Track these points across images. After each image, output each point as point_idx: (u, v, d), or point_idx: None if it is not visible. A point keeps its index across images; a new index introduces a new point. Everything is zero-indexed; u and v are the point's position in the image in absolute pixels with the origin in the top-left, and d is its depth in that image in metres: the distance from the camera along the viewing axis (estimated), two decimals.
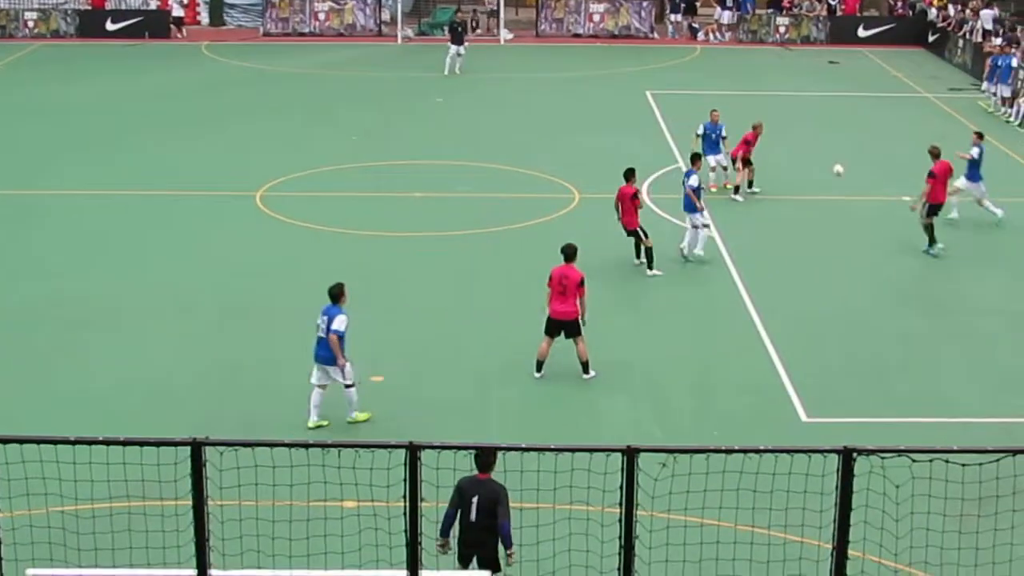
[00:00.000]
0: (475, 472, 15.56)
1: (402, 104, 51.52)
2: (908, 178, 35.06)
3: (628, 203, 30.40)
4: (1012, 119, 48.41)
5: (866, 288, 30.40)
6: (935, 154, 32.70)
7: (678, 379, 25.10)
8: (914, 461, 12.39)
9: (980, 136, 34.74)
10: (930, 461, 12.57)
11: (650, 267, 30.60)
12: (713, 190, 36.72)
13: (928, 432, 22.27)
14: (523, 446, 12.75)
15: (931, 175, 32.07)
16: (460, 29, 58.75)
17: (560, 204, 36.61)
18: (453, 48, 57.68)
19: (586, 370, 24.83)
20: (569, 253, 24.89)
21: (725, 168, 37.77)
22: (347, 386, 22.71)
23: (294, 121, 47.91)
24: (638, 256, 31.10)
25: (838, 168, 34.01)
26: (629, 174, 30.88)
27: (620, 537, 12.46)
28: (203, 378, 24.85)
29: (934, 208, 32.32)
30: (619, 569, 12.48)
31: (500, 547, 15.48)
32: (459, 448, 12.74)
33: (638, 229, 30.50)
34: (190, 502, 12.31)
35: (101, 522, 14.38)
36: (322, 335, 22.56)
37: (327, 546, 14.88)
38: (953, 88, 55.04)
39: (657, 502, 14.32)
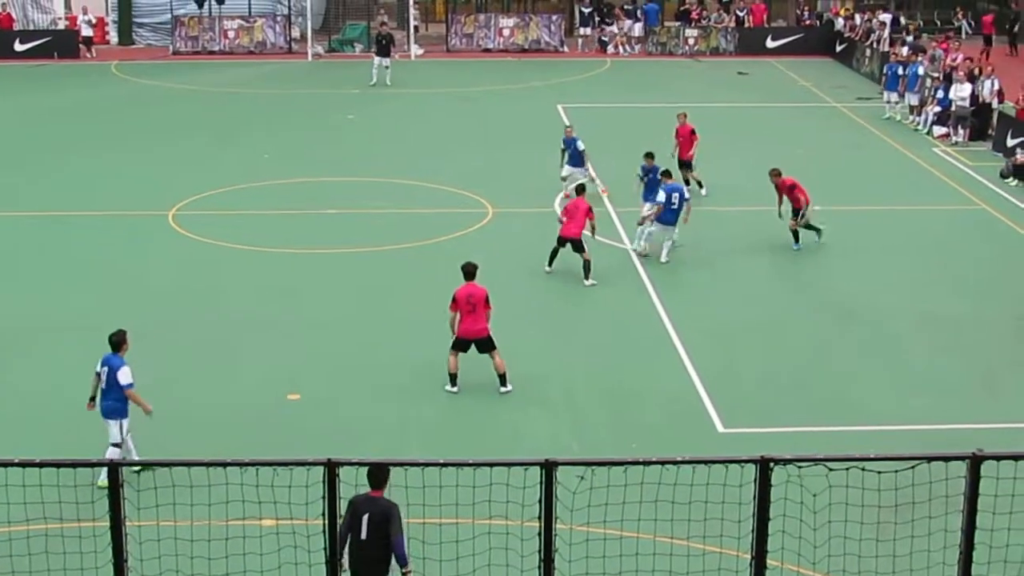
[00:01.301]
0: (368, 490, 15.34)
1: (314, 121, 51.42)
2: (815, 186, 35.30)
3: (581, 215, 31.12)
4: (920, 127, 48.95)
5: (777, 296, 30.66)
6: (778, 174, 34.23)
7: (594, 392, 25.16)
8: (831, 469, 12.53)
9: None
10: (847, 469, 12.71)
11: (587, 277, 31.10)
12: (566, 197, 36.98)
13: (844, 439, 22.43)
14: (441, 461, 12.77)
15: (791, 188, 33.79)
16: (385, 42, 58.78)
17: (474, 218, 36.66)
18: (378, 60, 57.90)
19: (504, 383, 24.87)
20: (470, 271, 25.09)
21: (593, 180, 37.90)
22: (113, 445, 20.64)
23: (206, 139, 47.69)
24: (550, 264, 31.56)
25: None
26: (581, 189, 32.50)
27: (540, 551, 12.52)
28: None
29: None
30: None
31: (395, 566, 15.28)
32: (376, 464, 12.74)
33: (580, 239, 31.11)
34: (108, 523, 12.23)
35: (18, 544, 14.25)
36: (104, 387, 21.13)
37: (246, 564, 14.81)
38: (861, 97, 55.59)
39: (576, 515, 14.37)
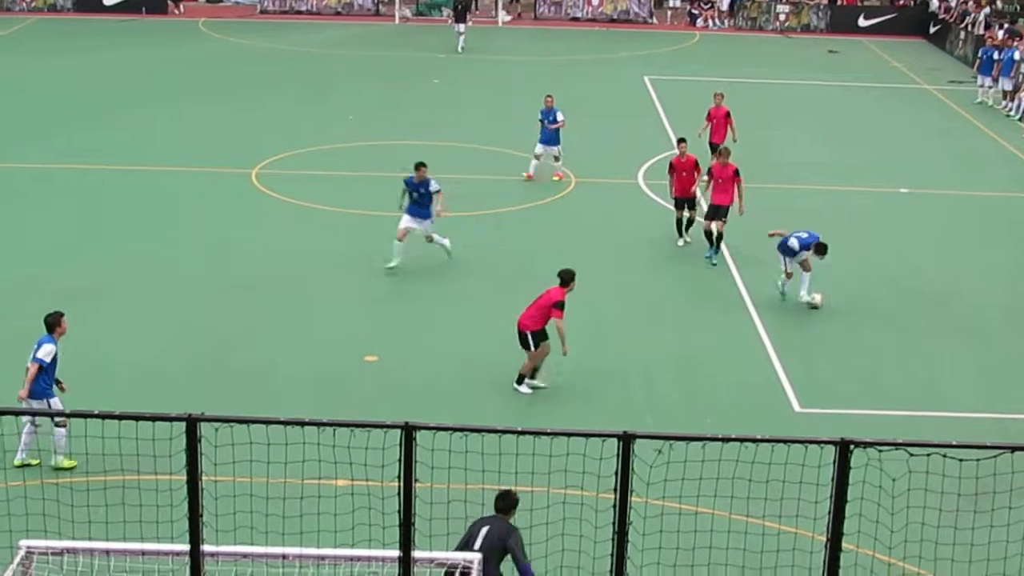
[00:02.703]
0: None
1: (399, 84, 51.43)
2: (904, 168, 34.97)
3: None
4: (1013, 113, 48.34)
5: (860, 279, 30.37)
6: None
7: (671, 367, 25.05)
8: (911, 455, 12.33)
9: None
10: (927, 455, 12.51)
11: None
12: (529, 179, 36.67)
13: (923, 425, 22.25)
14: (518, 429, 12.68)
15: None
16: (462, 7, 58.75)
17: (556, 188, 36.54)
18: (457, 26, 57.95)
19: (520, 381, 23.95)
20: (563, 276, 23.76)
21: (557, 159, 37.41)
22: (56, 424, 20.04)
23: (291, 99, 47.82)
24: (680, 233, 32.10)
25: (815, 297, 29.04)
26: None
27: (614, 523, 12.39)
28: (196, 355, 24.77)
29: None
30: (612, 554, 12.41)
31: None
32: (455, 430, 12.66)
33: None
34: (184, 477, 12.25)
35: (95, 495, 14.32)
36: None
37: (320, 524, 14.81)
38: (953, 80, 54.99)
39: (652, 489, 14.28)
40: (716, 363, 25.24)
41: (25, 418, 20.06)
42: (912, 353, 26.25)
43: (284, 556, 14.85)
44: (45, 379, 20.30)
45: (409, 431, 12.25)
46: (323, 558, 15.73)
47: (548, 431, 12.61)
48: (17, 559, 14.19)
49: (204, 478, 12.32)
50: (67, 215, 33.37)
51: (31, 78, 50.38)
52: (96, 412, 12.43)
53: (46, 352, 20.33)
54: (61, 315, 20.99)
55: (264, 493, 14.35)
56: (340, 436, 12.96)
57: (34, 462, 20.07)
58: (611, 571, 12.36)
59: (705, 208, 31.64)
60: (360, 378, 23.70)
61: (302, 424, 12.49)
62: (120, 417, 12.32)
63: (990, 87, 50.39)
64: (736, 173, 30.70)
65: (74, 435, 12.99)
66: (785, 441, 12.80)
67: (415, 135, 42.25)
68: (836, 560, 12.31)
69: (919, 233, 33.36)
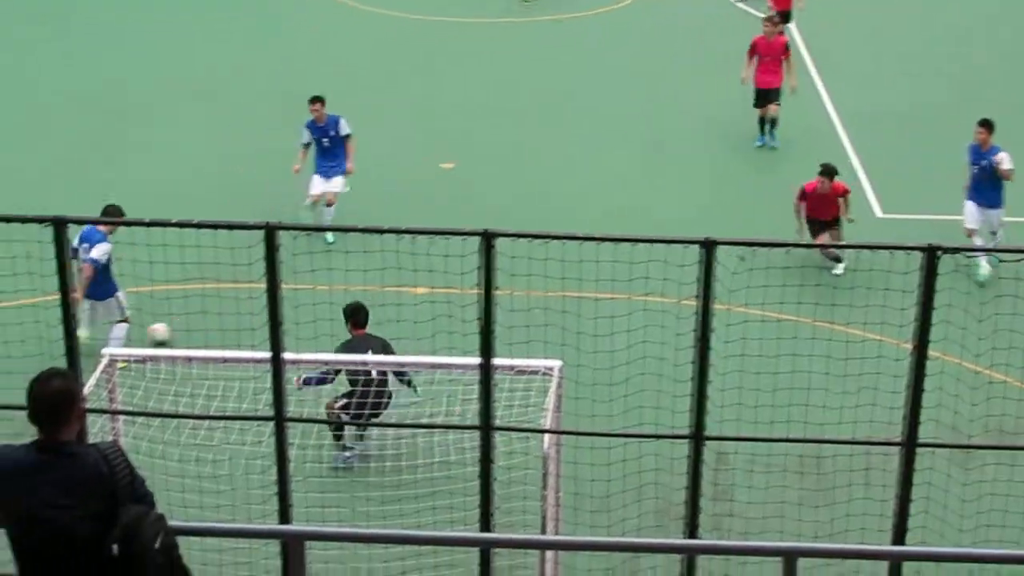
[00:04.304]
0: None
1: None
2: None
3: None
4: None
5: (939, 80, 29.75)
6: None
7: (753, 170, 24.75)
8: (1001, 261, 12.12)
9: None
10: (1017, 261, 12.30)
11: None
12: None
13: (1008, 232, 21.84)
14: (598, 236, 12.53)
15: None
16: None
17: None
18: None
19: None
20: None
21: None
22: (119, 321, 18.84)
23: None
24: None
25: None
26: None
27: (695, 330, 12.27)
28: (274, 166, 24.68)
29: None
30: (693, 362, 12.31)
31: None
32: (534, 236, 12.53)
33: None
34: (263, 285, 12.21)
35: (176, 303, 14.35)
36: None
37: (399, 331, 14.82)
38: None
39: (734, 296, 14.15)
40: (796, 170, 24.89)
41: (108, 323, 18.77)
42: None
43: (364, 363, 14.92)
44: (105, 274, 18.84)
45: (489, 238, 12.13)
46: (403, 365, 15.80)
47: (629, 237, 12.46)
48: (101, 367, 14.30)
49: (283, 286, 12.28)
50: (146, 22, 33.18)
51: None
52: (174, 221, 12.38)
53: (102, 252, 18.73)
54: (119, 212, 18.80)
55: (343, 301, 14.35)
56: (419, 244, 12.87)
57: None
58: (693, 378, 12.27)
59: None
60: (437, 186, 23.57)
61: (380, 232, 12.39)
62: (198, 226, 12.26)
63: None
64: (786, 47, 27.19)
65: (154, 244, 12.92)
66: (871, 247, 12.63)
67: None
68: (922, 368, 12.15)
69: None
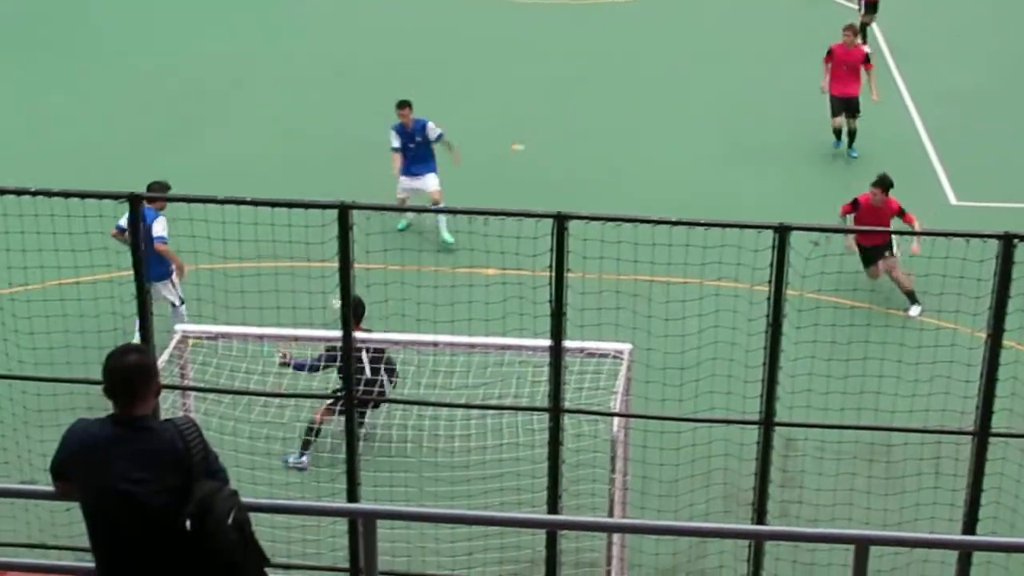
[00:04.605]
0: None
1: None
2: None
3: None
4: None
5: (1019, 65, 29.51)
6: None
7: (823, 156, 24.60)
8: None
9: None
10: None
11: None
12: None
13: None
14: (672, 219, 12.50)
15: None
16: None
17: None
18: None
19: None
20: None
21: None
22: (176, 304, 19.16)
23: None
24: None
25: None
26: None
27: (768, 315, 12.22)
28: (346, 144, 24.76)
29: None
30: (765, 347, 12.27)
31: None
32: (607, 219, 12.51)
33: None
34: (336, 264, 12.25)
35: (249, 281, 14.41)
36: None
37: (471, 312, 14.82)
38: None
39: (807, 282, 14.09)
40: (870, 155, 24.74)
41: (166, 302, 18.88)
42: None
43: (435, 344, 14.93)
44: (159, 258, 18.49)
45: (561, 220, 12.12)
46: (474, 345, 15.80)
47: (702, 221, 12.42)
48: (173, 343, 14.39)
49: (356, 265, 12.31)
50: None
51: None
52: (249, 199, 12.43)
53: (163, 226, 18.61)
54: (167, 187, 18.37)
55: (415, 281, 14.39)
56: (491, 225, 12.86)
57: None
58: (764, 364, 12.23)
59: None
60: (507, 166, 23.54)
61: (453, 212, 12.43)
62: (272, 204, 12.31)
63: None
64: (867, 58, 25.97)
65: (227, 221, 12.98)
66: (946, 234, 12.48)
67: None
68: (996, 357, 12.05)
69: None
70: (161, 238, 18.49)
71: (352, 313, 16.10)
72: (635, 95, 27.83)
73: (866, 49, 26.39)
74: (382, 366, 16.37)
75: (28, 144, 25.60)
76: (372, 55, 29.33)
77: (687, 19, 32.71)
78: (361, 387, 15.26)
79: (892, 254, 19.17)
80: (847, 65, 25.57)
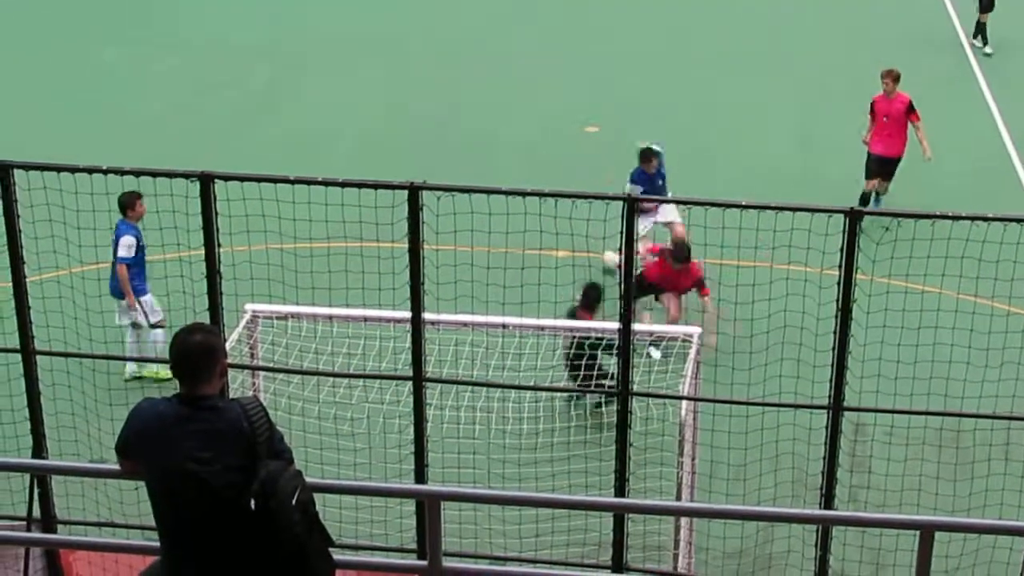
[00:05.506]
0: None
1: None
2: None
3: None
4: None
5: None
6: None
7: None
8: None
9: None
10: None
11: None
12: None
13: None
14: (743, 203, 12.48)
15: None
16: None
17: None
18: None
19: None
20: None
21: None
22: (152, 326, 18.23)
23: None
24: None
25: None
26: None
27: (837, 300, 12.20)
28: (419, 125, 24.80)
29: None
30: (835, 331, 12.24)
31: None
32: (679, 203, 12.52)
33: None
34: (406, 245, 12.29)
35: (318, 261, 14.47)
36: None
37: (540, 295, 14.84)
38: None
39: (878, 267, 14.00)
40: (944, 142, 24.52)
41: (126, 325, 18.25)
42: None
43: (504, 326, 14.95)
44: (135, 272, 18.01)
45: (632, 204, 12.13)
46: (543, 328, 15.82)
47: (772, 205, 12.39)
48: (243, 322, 14.50)
49: (425, 247, 12.35)
50: None
51: None
52: (320, 179, 12.49)
53: (126, 246, 17.78)
54: (137, 196, 17.82)
55: (485, 263, 14.37)
56: (561, 207, 12.86)
57: (141, 374, 18.23)
58: (833, 348, 12.20)
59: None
60: (580, 148, 23.51)
61: (523, 195, 12.43)
62: (343, 184, 12.37)
63: None
64: (911, 107, 22.88)
65: (298, 201, 13.04)
66: (1018, 220, 12.40)
67: None
68: None
69: None
70: (123, 259, 17.78)
71: (584, 300, 16.03)
72: (716, 75, 27.67)
73: (907, 98, 22.89)
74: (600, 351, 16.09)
75: (110, 115, 25.89)
76: (443, 32, 29.35)
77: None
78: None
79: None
80: (889, 117, 22.75)
